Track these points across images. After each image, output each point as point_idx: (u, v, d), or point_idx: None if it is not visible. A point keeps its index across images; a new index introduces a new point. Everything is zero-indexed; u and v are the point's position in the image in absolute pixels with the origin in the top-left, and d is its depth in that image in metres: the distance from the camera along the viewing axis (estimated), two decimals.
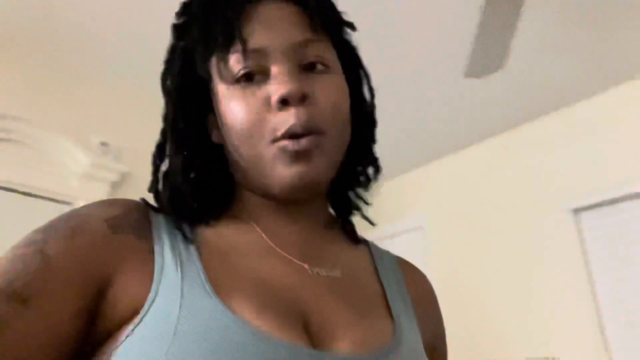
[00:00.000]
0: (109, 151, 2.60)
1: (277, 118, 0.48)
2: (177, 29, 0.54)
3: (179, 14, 0.54)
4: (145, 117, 2.74)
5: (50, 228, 0.45)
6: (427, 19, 2.18)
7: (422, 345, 0.54)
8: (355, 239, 0.62)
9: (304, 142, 0.48)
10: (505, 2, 1.32)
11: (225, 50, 0.50)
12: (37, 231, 0.45)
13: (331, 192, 0.60)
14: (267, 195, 0.53)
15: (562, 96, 2.75)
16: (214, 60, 0.51)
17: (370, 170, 0.61)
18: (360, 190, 0.62)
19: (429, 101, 2.81)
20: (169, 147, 0.53)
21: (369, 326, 0.51)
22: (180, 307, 0.42)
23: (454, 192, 3.29)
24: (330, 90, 0.51)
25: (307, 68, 0.51)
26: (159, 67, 0.55)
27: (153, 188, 0.53)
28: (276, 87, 0.48)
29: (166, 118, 0.53)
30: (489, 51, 1.50)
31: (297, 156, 0.48)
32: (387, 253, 0.65)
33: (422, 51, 2.39)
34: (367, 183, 0.61)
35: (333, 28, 0.55)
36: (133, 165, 2.60)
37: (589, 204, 2.56)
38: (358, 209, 0.63)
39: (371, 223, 0.63)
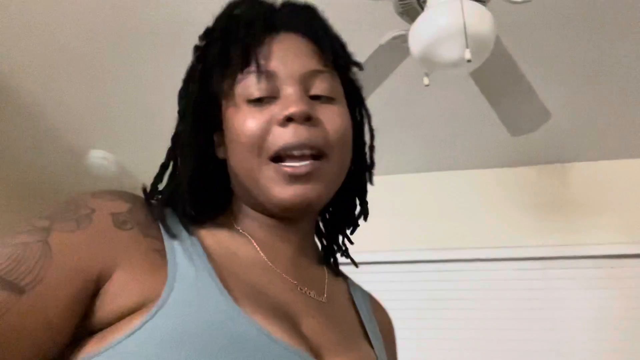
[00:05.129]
0: None
1: (277, 132, 0.50)
2: (198, 51, 0.57)
3: (201, 38, 0.57)
4: None
5: (55, 217, 0.44)
6: None
7: None
8: (337, 272, 0.65)
9: (302, 167, 0.50)
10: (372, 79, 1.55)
11: (240, 70, 0.53)
12: (42, 218, 0.44)
13: (321, 227, 0.64)
14: (263, 211, 0.55)
15: None
16: (229, 81, 0.54)
17: (358, 213, 0.64)
18: (347, 232, 0.65)
19: None
20: (179, 158, 0.55)
21: (356, 350, 0.53)
22: (198, 302, 0.43)
23: None
24: (335, 117, 0.53)
25: (313, 97, 0.53)
26: None
27: (154, 191, 0.54)
28: (285, 105, 0.50)
29: (179, 132, 0.55)
30: None
31: (294, 178, 0.50)
32: (360, 287, 0.68)
33: None
34: (354, 226, 0.65)
35: (341, 64, 0.58)
36: None
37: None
38: (342, 249, 0.66)
39: (355, 264, 0.68)
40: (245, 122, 0.51)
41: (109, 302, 0.42)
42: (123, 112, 2.45)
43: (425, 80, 1.39)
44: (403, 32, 1.46)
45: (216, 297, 0.44)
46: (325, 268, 0.63)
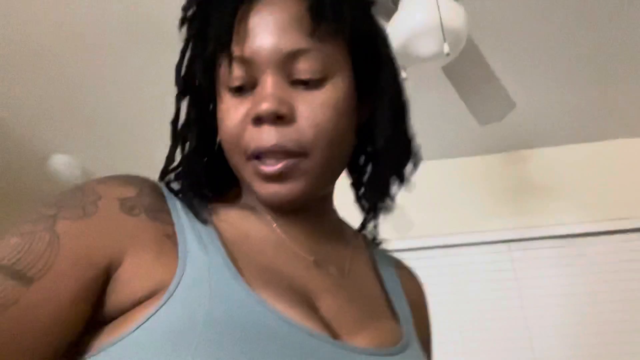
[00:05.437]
0: None
1: (250, 133, 0.47)
2: (184, 24, 0.52)
3: (185, 8, 0.51)
4: None
5: (61, 204, 0.42)
6: None
7: (421, 350, 0.55)
8: (363, 239, 0.62)
9: (277, 166, 0.47)
10: None
11: (218, 55, 0.49)
12: (48, 205, 0.42)
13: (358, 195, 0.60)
14: None
15: None
16: (210, 63, 0.50)
17: (397, 184, 0.58)
18: (381, 207, 0.59)
19: None
20: (187, 140, 0.52)
21: (379, 326, 0.51)
22: (210, 288, 0.41)
23: None
24: (318, 108, 0.47)
25: (297, 82, 0.47)
26: None
27: (165, 172, 0.52)
28: (257, 100, 0.46)
29: (185, 114, 0.52)
30: None
31: (271, 178, 0.47)
32: (388, 256, 0.65)
33: None
34: (391, 203, 0.59)
35: (342, 23, 0.49)
36: None
37: None
38: (370, 221, 0.61)
39: (377, 243, 0.64)
40: (225, 117, 0.49)
41: (120, 290, 0.41)
42: (87, 115, 2.38)
43: (403, 74, 1.43)
44: None
45: (230, 283, 0.42)
46: (347, 242, 0.59)
